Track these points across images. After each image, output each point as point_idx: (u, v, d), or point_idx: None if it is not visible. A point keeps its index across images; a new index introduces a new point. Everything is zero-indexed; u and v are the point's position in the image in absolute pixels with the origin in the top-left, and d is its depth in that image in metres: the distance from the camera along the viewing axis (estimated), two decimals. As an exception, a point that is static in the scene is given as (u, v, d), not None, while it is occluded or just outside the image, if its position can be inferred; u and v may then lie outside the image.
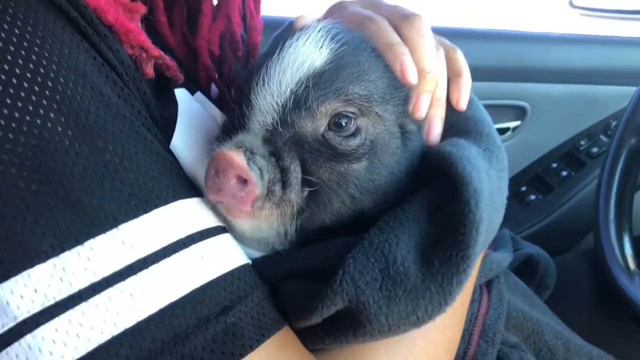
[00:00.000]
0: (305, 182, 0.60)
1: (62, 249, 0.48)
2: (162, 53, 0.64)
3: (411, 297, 0.55)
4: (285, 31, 0.75)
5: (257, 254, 0.64)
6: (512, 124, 1.69)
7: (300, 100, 0.60)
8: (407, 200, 0.63)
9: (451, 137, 0.70)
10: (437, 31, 0.76)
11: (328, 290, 0.55)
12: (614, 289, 1.00)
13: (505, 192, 0.68)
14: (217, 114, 0.74)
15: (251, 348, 0.53)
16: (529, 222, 1.55)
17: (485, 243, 0.63)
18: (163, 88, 0.66)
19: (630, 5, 1.84)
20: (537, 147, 1.72)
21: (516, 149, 1.70)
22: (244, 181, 0.57)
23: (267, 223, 0.61)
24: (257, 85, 0.61)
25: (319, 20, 0.70)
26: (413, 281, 0.55)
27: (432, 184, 0.65)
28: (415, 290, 0.55)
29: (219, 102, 0.81)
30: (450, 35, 0.82)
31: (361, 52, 0.64)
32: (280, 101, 0.60)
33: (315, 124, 0.61)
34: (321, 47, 0.62)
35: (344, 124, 0.61)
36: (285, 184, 0.59)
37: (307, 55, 0.62)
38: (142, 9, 0.66)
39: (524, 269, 1.03)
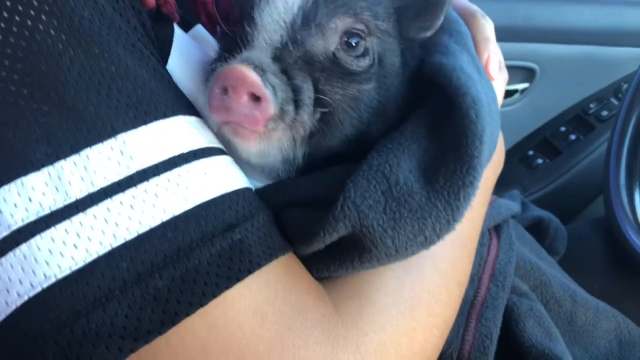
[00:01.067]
0: (317, 103, 0.57)
1: (57, 157, 0.46)
2: None
3: (417, 216, 0.53)
4: None
5: (256, 183, 0.62)
6: (520, 86, 1.65)
7: (309, 16, 0.57)
8: (405, 122, 0.61)
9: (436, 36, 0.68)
10: None
11: (329, 217, 0.53)
12: (628, 252, 0.97)
13: (497, 102, 0.66)
14: (214, 47, 0.71)
15: (259, 265, 0.51)
16: (536, 186, 1.53)
17: (489, 155, 0.60)
18: (162, 17, 0.63)
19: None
20: (545, 111, 1.68)
21: (524, 112, 1.66)
22: (256, 99, 0.53)
23: (277, 146, 0.58)
24: (260, 3, 0.58)
25: None
26: (418, 200, 0.53)
27: (428, 100, 0.63)
28: (421, 209, 0.53)
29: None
30: None
31: None
32: (289, 18, 0.57)
33: (326, 42, 0.58)
34: None
35: (354, 44, 0.59)
36: (297, 103, 0.55)
37: None
38: None
39: (534, 233, 1.01)
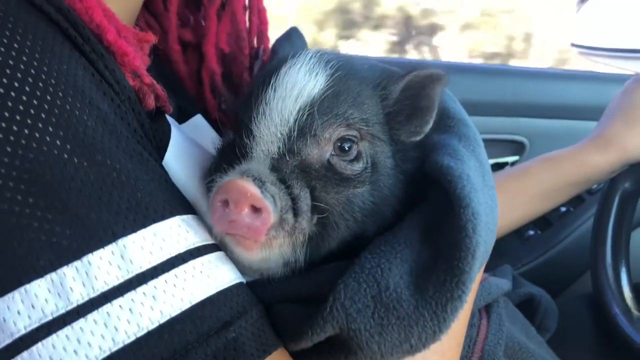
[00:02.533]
0: (314, 209, 0.59)
1: (60, 264, 0.48)
2: (154, 81, 0.64)
3: (404, 324, 0.54)
4: (274, 60, 0.76)
5: (247, 277, 0.63)
6: (510, 159, 1.69)
7: (305, 127, 0.60)
8: (400, 223, 0.62)
9: (433, 134, 0.69)
10: (437, 66, 0.77)
11: (318, 317, 0.54)
12: (616, 333, 0.97)
13: (497, 210, 0.67)
14: (212, 140, 0.74)
15: None
16: (527, 258, 1.53)
17: (481, 266, 0.62)
18: (156, 112, 0.67)
19: (630, 45, 1.85)
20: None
21: (514, 184, 1.69)
22: (257, 210, 0.55)
23: (279, 252, 0.59)
24: (257, 114, 0.61)
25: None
26: (406, 308, 0.54)
27: (424, 201, 0.64)
28: (409, 318, 0.54)
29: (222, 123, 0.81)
30: (449, 70, 0.83)
31: (352, 77, 0.65)
32: (285, 130, 0.60)
33: (321, 150, 0.61)
34: (316, 74, 0.63)
35: (347, 148, 0.62)
36: (296, 211, 0.58)
37: (304, 82, 0.62)
38: (152, 39, 0.68)
39: (525, 309, 1.01)
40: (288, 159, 0.60)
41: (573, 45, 1.99)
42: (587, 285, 1.45)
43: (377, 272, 0.56)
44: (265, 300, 0.60)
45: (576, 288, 1.49)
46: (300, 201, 0.58)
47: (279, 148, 0.60)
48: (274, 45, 0.92)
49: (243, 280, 0.59)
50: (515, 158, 1.68)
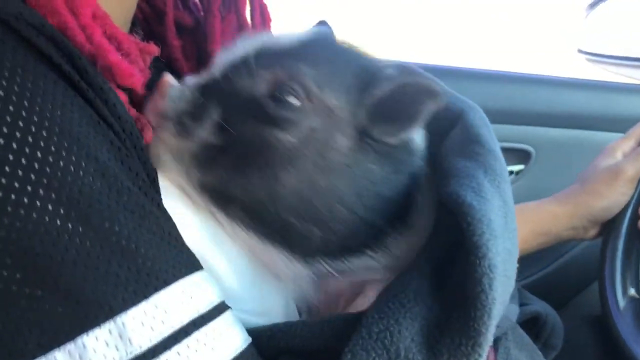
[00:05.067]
0: (221, 129, 0.58)
1: (51, 347, 0.43)
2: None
3: None
4: None
5: (252, 322, 0.59)
6: (515, 168, 1.66)
7: (248, 62, 0.60)
8: (406, 270, 0.58)
9: (456, 158, 0.64)
10: (445, 71, 0.74)
11: None
12: (625, 355, 0.95)
13: (516, 255, 0.62)
14: None
15: None
16: (530, 270, 1.51)
17: (498, 318, 0.56)
18: None
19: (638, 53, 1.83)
20: (540, 192, 1.66)
21: (519, 194, 1.65)
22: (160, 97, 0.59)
23: (171, 152, 0.59)
24: (226, 49, 0.64)
25: None
26: None
27: (433, 238, 0.60)
28: None
29: None
30: (455, 76, 0.81)
31: (331, 51, 0.65)
32: (231, 60, 0.62)
33: (252, 85, 0.60)
34: (297, 37, 0.64)
35: (282, 96, 0.59)
36: (196, 118, 0.59)
37: (281, 37, 0.64)
38: (155, 51, 0.65)
39: (530, 326, 0.99)
40: (221, 82, 0.61)
41: (580, 51, 1.97)
42: (591, 299, 1.44)
43: (386, 336, 0.51)
44: (271, 351, 0.57)
45: (580, 300, 1.48)
46: (205, 112, 0.59)
47: (220, 71, 0.61)
48: None
49: (249, 339, 0.56)
50: (521, 167, 1.66)
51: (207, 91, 0.60)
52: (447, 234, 0.59)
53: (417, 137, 0.68)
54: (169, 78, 0.60)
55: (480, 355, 0.50)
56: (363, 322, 0.53)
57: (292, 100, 0.59)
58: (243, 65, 0.60)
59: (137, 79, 0.58)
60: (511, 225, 0.61)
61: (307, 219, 0.60)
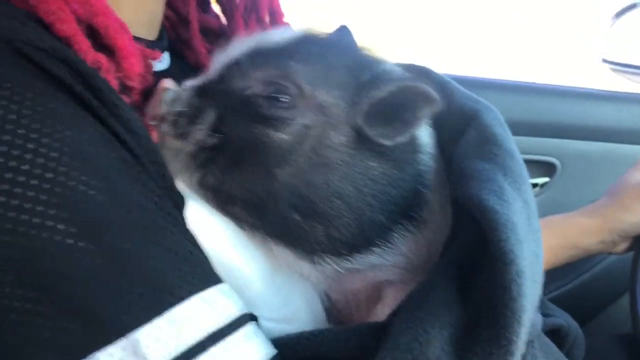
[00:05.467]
0: (217, 129, 0.60)
1: None
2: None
3: None
4: None
5: (277, 329, 0.59)
6: (540, 180, 1.64)
7: (242, 62, 0.62)
8: (430, 276, 0.57)
9: (473, 159, 0.63)
10: (471, 82, 0.74)
11: None
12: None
13: (542, 257, 0.60)
14: None
15: None
16: (556, 284, 1.49)
17: (528, 324, 0.55)
18: None
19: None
20: (566, 205, 1.65)
21: (544, 206, 1.64)
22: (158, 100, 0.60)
23: (172, 154, 0.60)
24: (223, 50, 0.65)
25: None
26: None
27: (458, 237, 0.59)
28: None
29: None
30: (482, 87, 0.80)
31: (326, 48, 0.65)
32: (226, 60, 0.63)
33: (245, 84, 0.61)
34: (289, 34, 0.65)
35: (276, 96, 0.60)
36: (192, 120, 0.60)
37: (273, 35, 0.65)
38: (158, 55, 0.67)
39: (552, 337, 0.97)
40: (216, 84, 0.62)
41: (605, 61, 1.95)
42: (617, 313, 1.42)
43: (415, 346, 0.50)
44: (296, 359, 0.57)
45: (608, 315, 1.46)
46: (201, 113, 0.60)
47: (215, 74, 0.63)
48: None
49: (273, 351, 0.55)
50: (546, 179, 1.64)
51: (202, 93, 0.62)
52: (467, 237, 0.58)
53: (423, 135, 0.69)
54: (166, 82, 0.61)
55: None
56: (390, 331, 0.53)
57: (285, 98, 0.60)
58: (236, 66, 0.62)
59: (137, 62, 0.61)
60: (535, 227, 0.60)
61: (307, 215, 0.60)
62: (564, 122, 1.59)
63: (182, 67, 0.82)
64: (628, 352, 1.10)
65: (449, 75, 0.80)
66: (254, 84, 0.61)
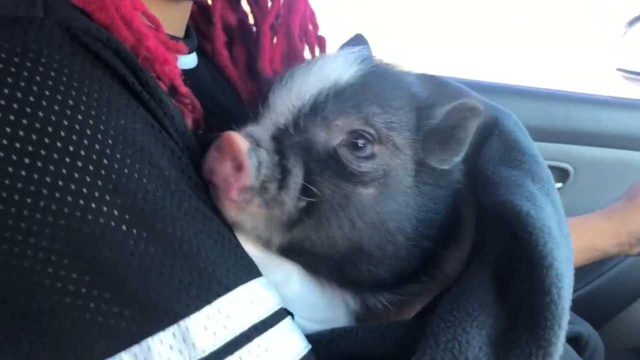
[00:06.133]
0: (305, 191, 0.56)
1: (118, 349, 0.45)
2: (191, 93, 0.62)
3: None
4: None
5: (311, 328, 0.60)
6: (553, 186, 1.65)
7: (318, 107, 0.58)
8: (466, 279, 0.58)
9: (499, 166, 0.65)
10: (485, 87, 0.75)
11: None
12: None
13: (572, 262, 0.61)
14: None
15: None
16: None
17: (566, 329, 0.55)
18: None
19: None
20: (578, 211, 1.64)
21: (557, 212, 1.65)
22: (239, 167, 0.54)
23: (253, 220, 0.57)
24: (278, 85, 0.60)
25: None
26: None
27: (491, 243, 0.60)
28: None
29: None
30: (496, 92, 0.81)
31: (389, 78, 0.63)
32: (297, 104, 0.58)
33: (329, 136, 0.58)
34: (351, 64, 0.61)
35: (360, 145, 0.58)
36: (282, 184, 0.55)
37: (335, 68, 0.60)
38: (183, 49, 0.64)
39: (571, 344, 0.98)
40: (293, 133, 0.58)
41: (619, 70, 1.95)
42: (631, 318, 1.42)
43: (455, 346, 0.52)
44: (330, 356, 0.58)
45: (621, 319, 1.46)
46: (290, 176, 0.56)
47: (287, 120, 0.58)
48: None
49: (308, 345, 0.56)
50: (559, 185, 1.65)
51: (283, 148, 0.57)
52: (499, 242, 0.59)
53: None
54: (232, 136, 0.54)
55: None
56: (429, 330, 0.53)
57: (369, 147, 0.58)
58: (314, 114, 0.58)
59: (174, 67, 0.59)
60: (565, 231, 0.61)
61: (374, 262, 0.60)
62: (577, 128, 1.60)
63: (209, 67, 0.83)
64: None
65: (462, 81, 0.82)
66: (336, 134, 0.58)
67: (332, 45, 0.92)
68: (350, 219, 0.58)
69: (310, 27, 0.89)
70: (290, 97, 0.59)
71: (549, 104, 1.60)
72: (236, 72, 0.85)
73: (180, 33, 0.77)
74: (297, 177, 0.56)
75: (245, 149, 0.53)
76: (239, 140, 0.53)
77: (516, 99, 1.57)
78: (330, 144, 0.58)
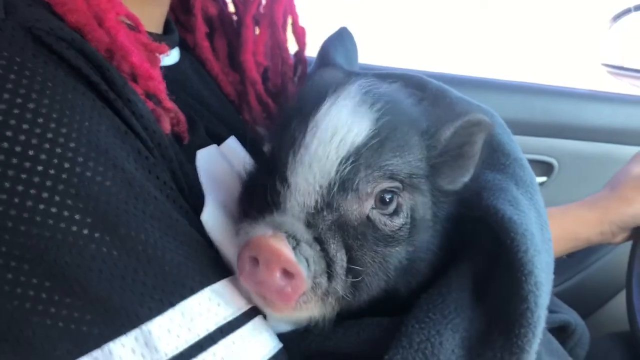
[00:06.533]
0: (349, 271, 0.54)
1: (80, 354, 0.45)
2: (176, 107, 0.61)
3: None
4: (312, 88, 0.68)
5: (282, 328, 0.60)
6: (537, 180, 1.65)
7: (347, 181, 0.54)
8: (444, 282, 0.57)
9: (482, 170, 0.64)
10: (467, 81, 0.75)
11: None
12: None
13: (552, 268, 0.61)
14: (245, 164, 0.69)
15: None
16: (556, 281, 1.50)
17: (540, 337, 0.54)
18: (187, 148, 0.63)
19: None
20: (562, 205, 1.68)
21: (541, 205, 1.66)
22: (289, 275, 0.50)
23: (308, 313, 0.55)
24: (294, 160, 0.55)
25: None
26: None
27: (473, 247, 0.60)
28: None
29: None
30: (480, 87, 0.81)
31: (399, 123, 0.59)
32: (325, 182, 0.54)
33: (361, 205, 0.55)
34: (361, 117, 0.56)
35: (387, 200, 0.56)
36: (330, 275, 0.52)
37: (347, 127, 0.55)
38: (166, 50, 0.63)
39: (558, 333, 0.99)
40: (325, 214, 0.53)
41: (603, 64, 1.97)
42: (616, 309, 1.44)
43: (427, 347, 0.51)
44: (303, 354, 0.58)
45: (607, 309, 1.48)
46: (336, 264, 0.53)
47: (316, 201, 0.54)
48: (325, 45, 0.89)
49: (279, 345, 0.55)
50: (543, 179, 1.66)
51: (319, 234, 0.53)
52: (480, 246, 0.59)
53: None
54: (274, 245, 0.50)
55: None
56: (403, 330, 0.53)
57: (395, 199, 0.57)
58: (343, 189, 0.54)
59: (158, 82, 0.58)
60: (547, 237, 0.61)
61: (401, 294, 0.59)
62: (561, 122, 1.61)
63: (191, 60, 0.82)
64: (626, 349, 1.11)
65: (445, 75, 0.82)
66: (367, 201, 0.56)
67: (316, 38, 0.92)
68: (387, 277, 0.57)
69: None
70: (313, 175, 0.54)
71: (533, 98, 1.61)
72: (218, 65, 0.85)
73: (160, 28, 0.77)
74: (341, 262, 0.54)
75: (293, 255, 0.50)
76: (283, 246, 0.50)
77: (500, 93, 1.57)
78: (364, 213, 0.56)
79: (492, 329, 0.53)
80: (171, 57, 0.76)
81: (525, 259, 0.53)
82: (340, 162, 0.54)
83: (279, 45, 0.85)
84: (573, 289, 1.50)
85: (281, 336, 0.58)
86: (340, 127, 0.56)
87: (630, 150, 1.63)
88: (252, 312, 0.55)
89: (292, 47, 0.90)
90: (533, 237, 0.55)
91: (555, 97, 1.64)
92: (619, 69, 2.00)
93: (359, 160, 0.55)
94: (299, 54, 0.89)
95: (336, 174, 0.54)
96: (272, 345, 0.55)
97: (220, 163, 0.67)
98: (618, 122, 1.63)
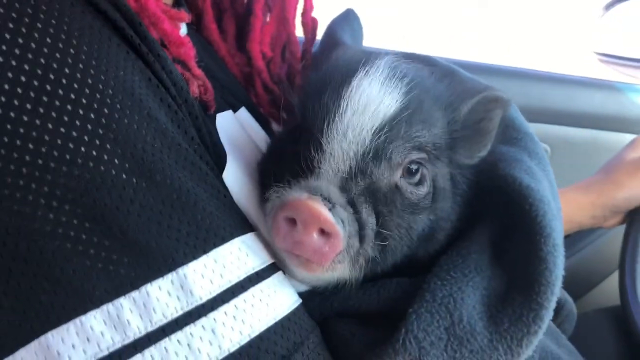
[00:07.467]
0: (378, 235, 0.57)
1: (117, 294, 0.46)
2: (204, 74, 0.62)
3: (477, 357, 0.53)
4: (338, 63, 0.71)
5: (303, 287, 0.62)
6: (531, 165, 1.67)
7: (380, 150, 0.57)
8: (464, 244, 0.60)
9: (496, 143, 0.67)
10: (463, 66, 0.77)
11: (389, 348, 0.53)
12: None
13: (563, 234, 0.63)
14: (258, 133, 0.71)
15: None
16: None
17: (557, 295, 0.57)
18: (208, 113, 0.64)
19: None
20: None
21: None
22: (326, 235, 0.52)
23: (339, 273, 0.57)
24: (329, 128, 0.57)
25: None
26: (480, 341, 0.53)
27: (488, 215, 0.63)
28: (482, 351, 0.53)
29: (266, 113, 0.80)
30: (474, 71, 0.83)
31: (426, 96, 0.62)
32: (360, 150, 0.56)
33: (392, 174, 0.58)
34: (391, 91, 0.59)
35: (414, 171, 0.59)
36: (362, 237, 0.55)
37: (379, 100, 0.59)
38: (186, 17, 0.64)
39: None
40: (358, 180, 0.56)
41: (596, 53, 1.98)
42: (609, 290, 1.46)
43: (450, 302, 0.54)
44: (323, 314, 0.60)
45: (600, 290, 1.51)
46: (367, 227, 0.56)
47: (350, 168, 0.56)
48: (331, 26, 0.89)
49: (299, 300, 0.58)
50: (537, 164, 1.67)
51: (352, 198, 0.56)
52: (496, 213, 0.62)
53: None
54: (313, 205, 0.52)
55: (540, 327, 0.53)
56: (425, 287, 0.56)
57: (420, 170, 0.60)
58: (377, 157, 0.57)
59: (189, 48, 0.59)
60: (558, 206, 0.64)
61: (420, 259, 0.62)
62: (554, 108, 1.62)
63: (199, 38, 0.82)
64: (614, 323, 1.13)
65: (441, 59, 0.83)
66: (397, 169, 0.59)
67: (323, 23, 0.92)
68: (410, 243, 0.60)
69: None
70: (349, 143, 0.57)
71: (527, 84, 1.63)
72: (225, 46, 0.84)
73: (169, 2, 0.76)
74: (372, 225, 0.57)
75: (331, 216, 0.52)
76: (320, 207, 0.52)
77: (493, 78, 1.59)
78: (394, 181, 0.59)
79: (511, 288, 0.56)
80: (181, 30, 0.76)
81: (544, 222, 0.56)
82: (375, 131, 0.57)
83: (288, 37, 0.85)
84: (565, 270, 1.52)
85: (301, 296, 0.59)
86: (372, 99, 0.59)
87: (619, 137, 1.67)
88: (275, 267, 0.57)
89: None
90: (549, 202, 0.58)
91: (548, 83, 1.66)
92: (611, 57, 2.01)
93: (392, 130, 0.58)
94: (306, 45, 0.89)
95: (371, 142, 0.57)
96: (294, 299, 0.57)
97: (237, 128, 0.69)
98: (610, 109, 1.65)
